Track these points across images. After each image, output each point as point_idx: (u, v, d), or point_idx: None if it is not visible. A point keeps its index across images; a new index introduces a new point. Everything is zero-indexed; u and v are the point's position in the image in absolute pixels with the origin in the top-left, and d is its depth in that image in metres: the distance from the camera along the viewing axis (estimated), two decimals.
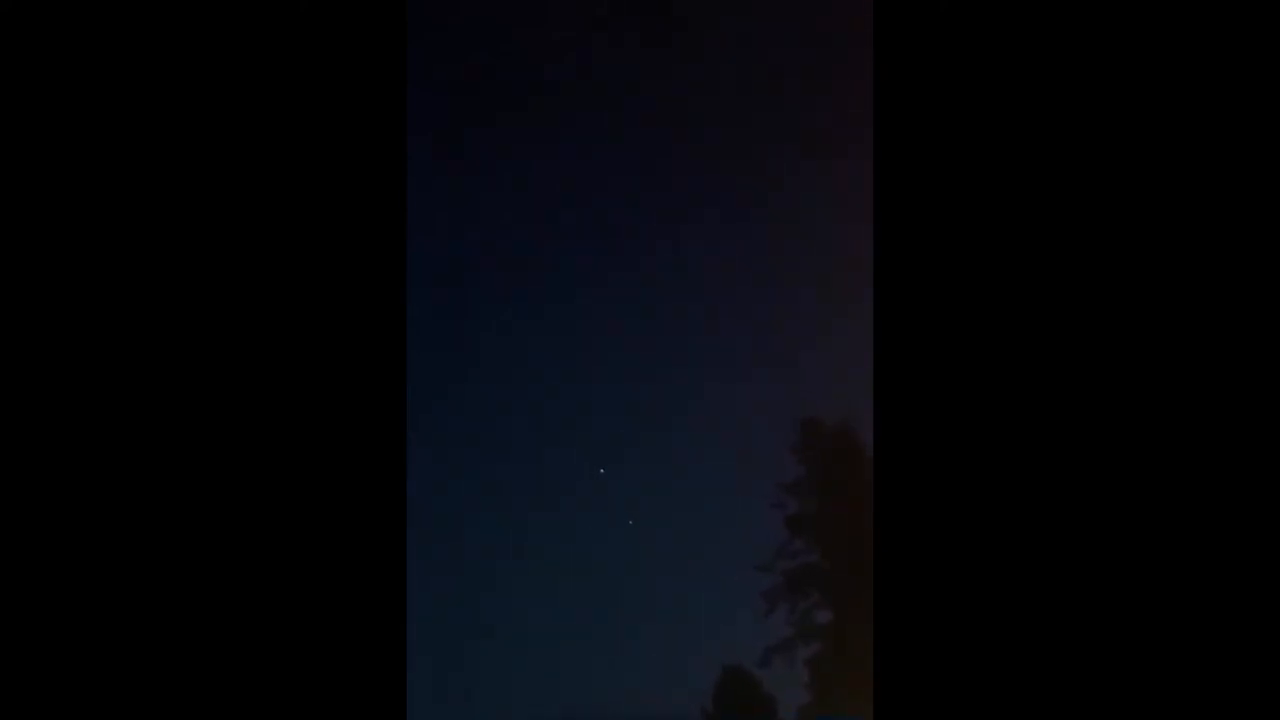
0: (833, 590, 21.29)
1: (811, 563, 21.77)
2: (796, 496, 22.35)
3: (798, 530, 22.01)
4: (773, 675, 21.80)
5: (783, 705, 22.27)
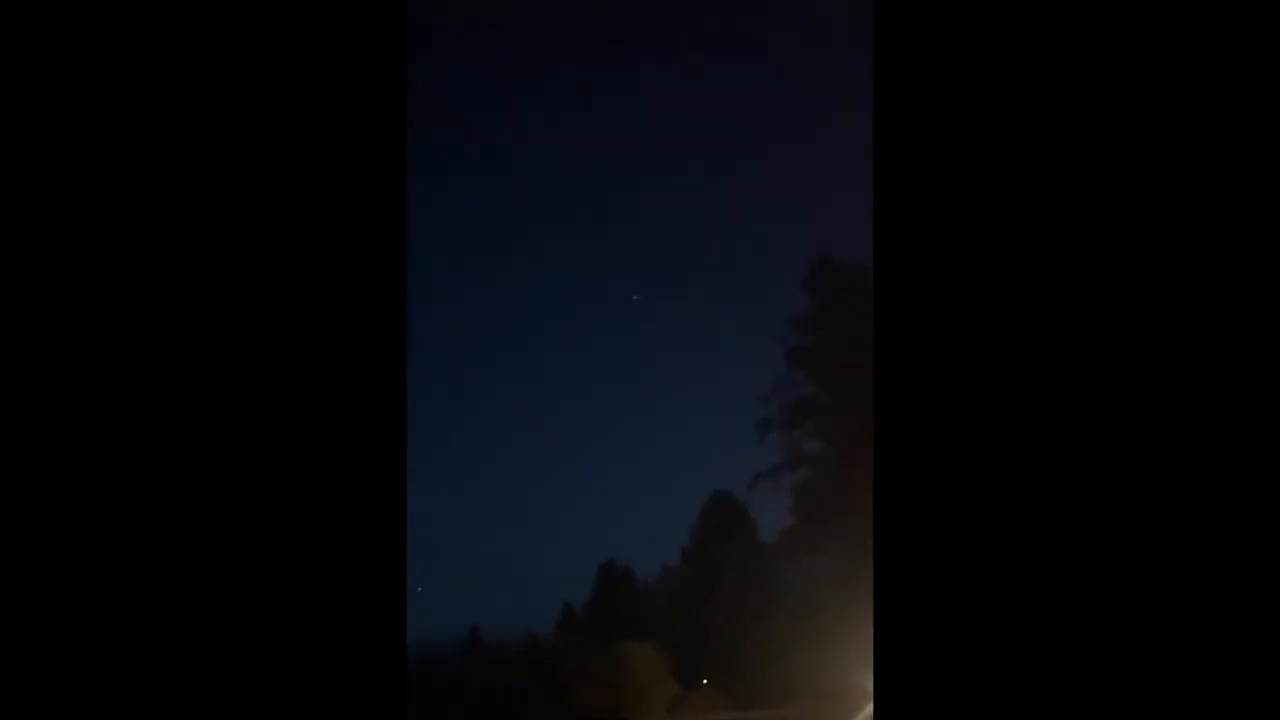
0: (825, 421, 21.58)
1: (808, 394, 22.04)
2: (800, 331, 22.46)
3: (797, 363, 22.21)
4: (758, 498, 22.44)
5: (763, 527, 23.06)
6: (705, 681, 22.40)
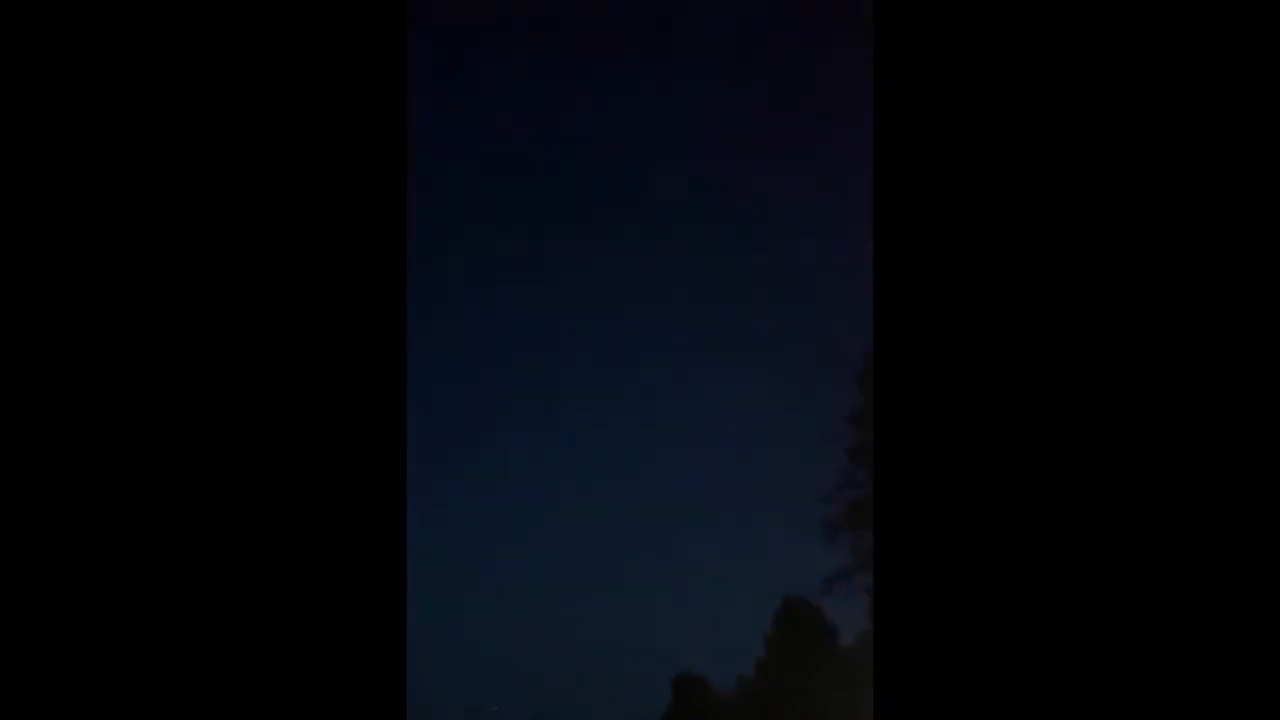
0: None
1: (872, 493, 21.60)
2: (859, 427, 22.16)
3: (859, 460, 21.85)
4: (834, 603, 21.83)
5: (844, 632, 22.33)
6: None
